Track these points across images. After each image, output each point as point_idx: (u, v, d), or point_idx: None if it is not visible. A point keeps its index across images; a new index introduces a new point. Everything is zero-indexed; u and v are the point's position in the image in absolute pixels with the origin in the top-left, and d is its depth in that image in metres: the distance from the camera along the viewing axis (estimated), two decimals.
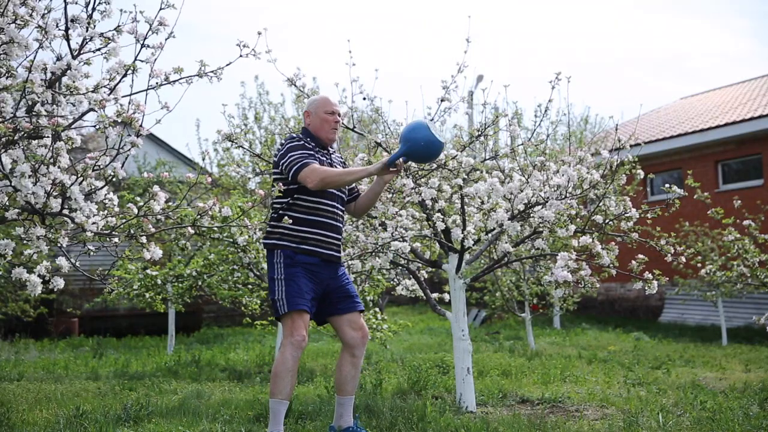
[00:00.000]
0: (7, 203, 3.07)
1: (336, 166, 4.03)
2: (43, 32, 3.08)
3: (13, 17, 2.98)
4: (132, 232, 3.23)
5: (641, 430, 4.19)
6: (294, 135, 4.01)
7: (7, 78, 2.97)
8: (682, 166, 14.61)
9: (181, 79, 3.22)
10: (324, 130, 4.01)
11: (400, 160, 3.88)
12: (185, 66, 3.21)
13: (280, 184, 3.62)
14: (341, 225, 4.01)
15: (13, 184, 2.90)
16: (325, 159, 3.97)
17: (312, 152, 3.88)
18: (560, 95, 35.96)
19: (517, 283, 10.17)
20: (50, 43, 3.12)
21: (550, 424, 4.31)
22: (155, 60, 3.18)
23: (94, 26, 3.15)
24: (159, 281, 8.28)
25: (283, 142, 4.01)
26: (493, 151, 5.38)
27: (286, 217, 3.67)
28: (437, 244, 5.22)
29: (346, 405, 3.93)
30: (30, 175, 2.90)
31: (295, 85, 5.12)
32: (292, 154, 3.82)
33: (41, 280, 3.02)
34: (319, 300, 3.90)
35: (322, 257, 3.85)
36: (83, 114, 3.13)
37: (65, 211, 3.06)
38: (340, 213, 4.00)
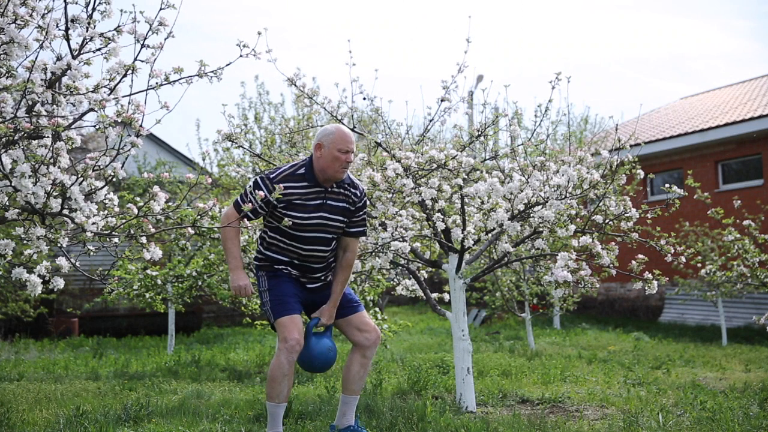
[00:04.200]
0: (7, 203, 3.07)
1: (328, 212, 3.75)
2: (43, 32, 3.08)
3: (13, 17, 2.98)
4: (132, 232, 3.24)
5: (641, 430, 4.19)
6: (275, 169, 3.78)
7: (7, 78, 2.97)
8: (682, 166, 14.61)
9: (181, 79, 3.22)
10: (332, 169, 3.69)
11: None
12: (185, 66, 3.21)
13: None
14: (319, 265, 3.83)
15: (13, 184, 2.91)
16: (314, 202, 3.73)
17: (252, 200, 3.61)
18: (560, 95, 35.95)
19: (517, 283, 10.17)
20: (50, 43, 3.12)
21: (550, 424, 4.31)
22: (155, 60, 3.18)
23: (94, 26, 3.15)
24: (159, 281, 8.28)
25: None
26: (493, 151, 5.38)
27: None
28: (437, 244, 5.22)
29: (351, 404, 3.93)
30: (30, 175, 2.90)
31: (295, 85, 5.13)
32: (246, 188, 3.74)
33: (41, 280, 3.02)
34: (310, 304, 3.90)
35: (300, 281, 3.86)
36: (83, 114, 3.14)
37: (65, 211, 3.06)
38: (319, 255, 3.80)
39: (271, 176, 3.70)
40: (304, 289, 3.86)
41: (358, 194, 3.86)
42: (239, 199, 3.72)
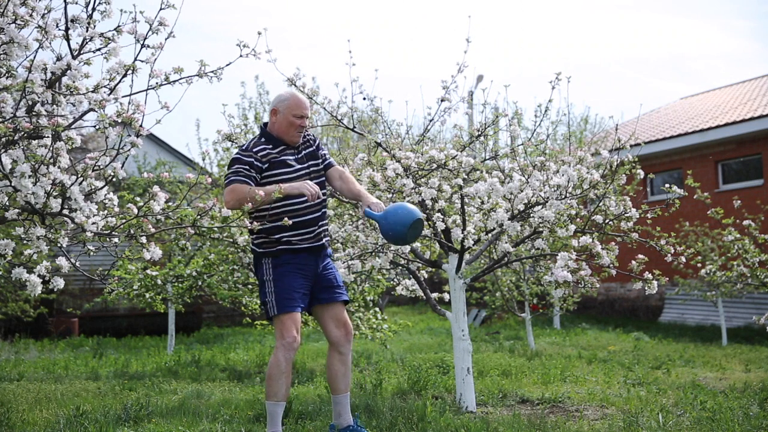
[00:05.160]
0: (7, 203, 3.07)
1: (305, 161, 3.92)
2: (43, 32, 3.08)
3: (13, 17, 2.98)
4: (132, 232, 3.24)
5: (641, 430, 4.19)
6: (242, 146, 3.86)
7: (7, 78, 2.97)
8: (682, 166, 14.61)
9: (181, 79, 3.22)
10: (288, 134, 3.86)
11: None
12: (185, 66, 3.21)
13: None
14: (318, 213, 3.88)
15: (13, 184, 2.90)
16: (290, 157, 3.87)
17: (244, 168, 3.72)
18: (560, 95, 35.97)
19: (517, 283, 10.17)
20: (50, 43, 3.12)
21: (550, 424, 4.31)
22: (155, 60, 3.18)
23: (94, 26, 3.15)
24: (159, 281, 8.28)
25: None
26: (493, 151, 5.38)
27: (286, 219, 3.61)
28: (437, 244, 5.22)
29: (343, 403, 3.93)
30: (30, 175, 2.90)
31: (295, 85, 5.12)
32: (228, 170, 3.77)
33: (41, 280, 3.02)
34: (311, 292, 3.90)
35: (306, 251, 3.83)
36: (83, 114, 3.13)
37: (65, 211, 3.06)
38: (322, 205, 3.91)
39: (246, 147, 3.83)
40: (309, 274, 3.82)
41: (313, 136, 4.06)
42: (234, 176, 3.71)
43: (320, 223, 3.91)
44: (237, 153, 3.83)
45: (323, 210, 3.96)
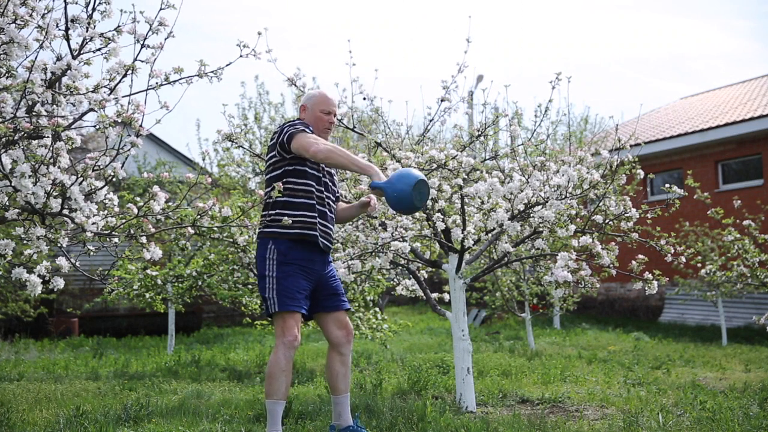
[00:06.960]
0: (7, 203, 3.07)
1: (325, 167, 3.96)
2: (43, 32, 3.08)
3: (13, 17, 2.98)
4: (132, 232, 3.24)
5: (641, 430, 4.19)
6: (296, 120, 3.90)
7: (7, 78, 2.97)
8: (682, 166, 14.61)
9: (181, 79, 3.22)
10: (317, 129, 3.89)
11: (373, 199, 3.90)
12: (185, 66, 3.21)
13: (280, 183, 3.61)
14: (333, 214, 3.95)
15: (13, 184, 2.91)
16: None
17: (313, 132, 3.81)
18: (560, 95, 35.96)
19: (517, 283, 10.17)
20: (50, 43, 3.12)
21: (550, 424, 4.31)
22: (155, 60, 3.18)
23: (94, 26, 3.15)
24: (159, 281, 8.27)
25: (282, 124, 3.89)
26: (493, 151, 5.38)
27: (285, 219, 3.63)
28: (437, 244, 5.22)
29: (343, 404, 3.92)
30: (30, 175, 2.90)
31: (295, 85, 5.12)
32: (295, 127, 3.74)
33: (41, 280, 3.02)
34: (312, 295, 3.89)
35: (319, 247, 3.80)
36: (83, 114, 3.14)
37: (65, 211, 3.06)
38: (331, 202, 3.93)
39: (303, 122, 3.85)
40: (313, 277, 3.81)
41: None
42: (302, 127, 3.73)
43: (333, 228, 3.95)
44: (298, 122, 3.80)
45: (334, 217, 3.98)
